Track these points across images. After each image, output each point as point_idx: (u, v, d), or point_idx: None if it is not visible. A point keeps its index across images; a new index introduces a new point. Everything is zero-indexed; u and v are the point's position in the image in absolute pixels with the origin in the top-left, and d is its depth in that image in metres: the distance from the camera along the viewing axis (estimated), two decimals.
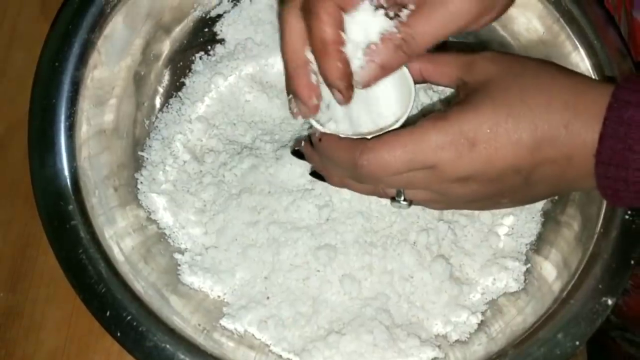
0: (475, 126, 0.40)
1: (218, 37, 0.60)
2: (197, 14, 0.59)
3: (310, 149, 0.48)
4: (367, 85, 0.43)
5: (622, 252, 0.48)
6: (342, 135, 0.45)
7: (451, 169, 0.41)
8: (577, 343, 0.46)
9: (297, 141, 0.53)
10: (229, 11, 0.60)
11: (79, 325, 0.55)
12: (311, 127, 0.46)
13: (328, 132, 0.45)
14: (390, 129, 0.44)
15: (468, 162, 0.40)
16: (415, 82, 0.45)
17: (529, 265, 0.54)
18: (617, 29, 0.53)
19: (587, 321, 0.46)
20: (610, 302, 0.46)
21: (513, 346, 0.47)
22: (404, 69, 0.45)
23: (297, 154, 0.51)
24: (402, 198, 0.45)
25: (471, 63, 0.44)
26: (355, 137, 0.44)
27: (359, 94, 0.44)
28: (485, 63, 0.43)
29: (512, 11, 0.56)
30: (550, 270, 0.52)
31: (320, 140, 0.45)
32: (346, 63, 0.42)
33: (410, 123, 0.43)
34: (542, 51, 0.56)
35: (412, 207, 0.53)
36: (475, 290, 0.54)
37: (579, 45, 0.53)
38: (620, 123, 0.38)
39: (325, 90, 0.44)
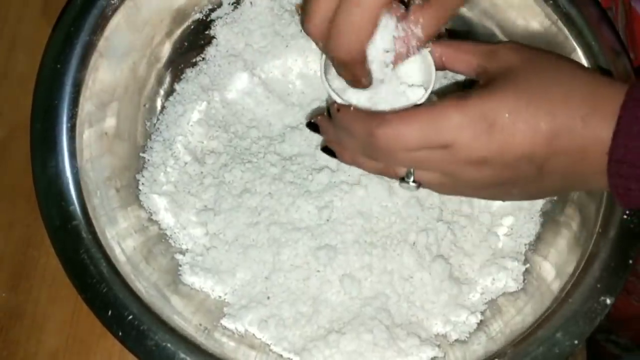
0: (495, 109, 0.40)
1: (219, 40, 0.60)
2: (197, 16, 0.59)
3: (326, 121, 0.48)
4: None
5: (621, 252, 0.48)
6: (360, 107, 0.45)
7: (467, 149, 0.41)
8: (576, 342, 0.46)
9: (313, 113, 0.53)
10: (229, 14, 0.60)
11: (80, 326, 0.55)
12: (330, 98, 0.46)
13: (347, 103, 0.45)
14: (409, 105, 0.45)
15: (485, 144, 0.40)
16: (436, 69, 0.46)
17: (528, 265, 0.54)
18: (612, 26, 0.54)
19: (585, 320, 0.46)
20: (608, 301, 0.47)
21: (512, 345, 0.47)
22: (427, 54, 0.46)
23: (312, 126, 0.50)
24: (412, 179, 0.45)
25: (493, 51, 0.44)
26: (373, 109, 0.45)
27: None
28: (507, 52, 0.44)
29: (510, 13, 0.57)
30: (549, 270, 0.52)
31: (338, 110, 0.45)
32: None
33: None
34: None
35: (412, 208, 0.54)
36: (475, 290, 0.54)
37: (577, 47, 0.54)
38: (635, 122, 0.38)
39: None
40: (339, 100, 0.46)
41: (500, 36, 0.58)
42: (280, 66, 0.60)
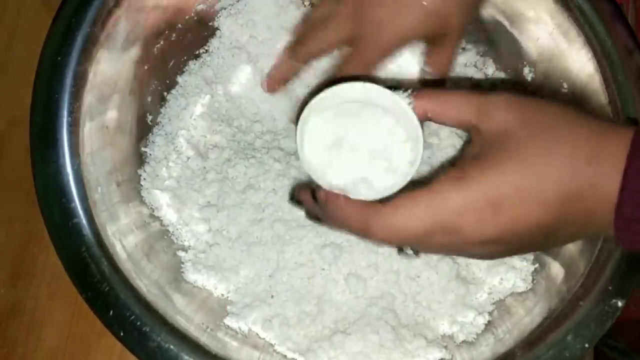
0: (499, 188, 0.38)
1: (222, 32, 0.59)
2: (201, 7, 0.58)
3: (312, 202, 0.44)
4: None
5: (633, 254, 0.47)
6: (350, 196, 0.42)
7: (473, 233, 0.38)
8: (587, 345, 0.46)
9: (297, 189, 0.49)
10: (233, 5, 0.59)
11: (80, 323, 0.55)
12: (314, 182, 0.43)
13: (334, 191, 0.42)
14: (402, 185, 0.42)
15: (492, 226, 0.38)
16: (420, 121, 0.43)
17: (536, 265, 0.53)
18: (627, 23, 0.53)
19: (596, 323, 0.46)
20: (620, 304, 0.46)
21: (521, 348, 0.47)
22: (410, 114, 0.42)
23: (296, 202, 0.47)
24: (411, 251, 0.43)
25: (485, 108, 0.41)
26: (365, 198, 0.42)
27: (363, 146, 0.43)
28: (500, 110, 0.40)
29: (522, 7, 0.56)
30: (558, 271, 0.51)
31: (326, 200, 0.42)
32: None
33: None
34: (552, 48, 0.55)
35: None
36: (482, 290, 0.53)
37: (588, 43, 0.53)
38: None
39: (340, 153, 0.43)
40: (322, 185, 0.42)
41: (510, 30, 0.57)
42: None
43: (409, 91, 0.43)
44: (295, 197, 0.47)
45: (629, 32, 0.52)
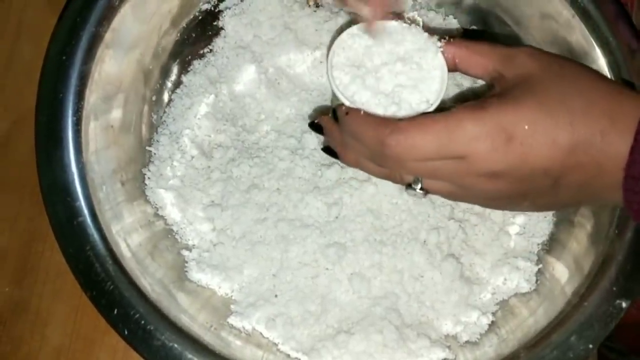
0: (514, 120, 0.39)
1: (227, 31, 0.59)
2: (205, 6, 0.58)
3: (331, 122, 0.46)
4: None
5: (637, 254, 0.47)
6: (370, 112, 0.43)
7: (483, 162, 0.40)
8: (591, 346, 0.45)
9: (317, 113, 0.51)
10: (238, 4, 0.59)
11: (84, 321, 0.55)
12: (338, 100, 0.45)
13: (356, 106, 0.44)
14: (421, 112, 0.43)
15: (502, 156, 0.39)
16: (448, 71, 0.45)
17: (540, 265, 0.53)
18: (630, 23, 0.52)
19: (600, 324, 0.46)
20: (624, 304, 0.46)
21: (525, 348, 0.47)
22: (438, 54, 0.45)
23: (315, 126, 0.49)
24: (419, 186, 0.44)
25: (510, 56, 0.42)
26: (384, 115, 0.43)
27: (389, 74, 0.44)
28: (525, 58, 0.42)
29: (527, 8, 0.56)
30: (562, 271, 0.51)
31: (347, 114, 0.44)
32: None
33: (441, 109, 0.42)
34: (557, 48, 0.55)
35: (423, 206, 0.53)
36: (486, 290, 0.53)
37: (594, 43, 0.53)
38: None
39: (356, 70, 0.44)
40: (346, 102, 0.44)
41: (516, 30, 0.57)
42: (289, 59, 0.59)
43: (440, 38, 0.45)
44: (315, 122, 0.49)
45: (632, 31, 0.52)
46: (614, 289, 0.46)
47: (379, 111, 0.44)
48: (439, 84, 0.45)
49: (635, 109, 0.38)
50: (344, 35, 0.46)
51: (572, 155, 0.39)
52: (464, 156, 0.40)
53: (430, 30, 0.47)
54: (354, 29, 0.47)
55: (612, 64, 0.52)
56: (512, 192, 0.41)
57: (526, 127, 0.39)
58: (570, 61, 0.43)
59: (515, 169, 0.39)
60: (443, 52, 0.45)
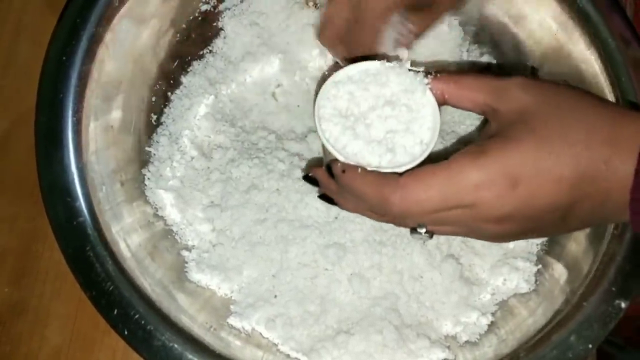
0: (517, 163, 0.38)
1: (227, 32, 0.59)
2: (205, 7, 0.58)
3: (327, 177, 0.45)
4: None
5: (636, 255, 0.47)
6: (368, 169, 0.42)
7: (490, 209, 0.39)
8: (590, 346, 0.46)
9: (310, 166, 0.50)
10: (237, 5, 0.59)
11: (84, 322, 0.55)
12: (331, 155, 0.43)
13: (352, 163, 0.42)
14: (419, 160, 0.42)
15: (509, 201, 0.38)
16: (438, 105, 0.44)
17: (540, 266, 0.53)
18: (624, 14, 0.52)
19: (600, 324, 0.46)
20: (623, 305, 0.46)
21: (524, 349, 0.47)
22: (427, 92, 0.43)
23: (310, 180, 0.48)
24: (424, 230, 0.43)
25: (501, 89, 0.41)
26: (383, 170, 0.42)
27: (379, 121, 0.43)
28: (517, 91, 0.41)
29: (525, 8, 0.56)
30: (561, 272, 0.51)
31: (343, 171, 0.42)
32: None
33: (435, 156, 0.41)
34: (556, 49, 0.55)
35: None
36: (486, 291, 0.53)
37: (586, 35, 0.53)
38: None
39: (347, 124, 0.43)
40: (339, 157, 0.42)
41: (514, 30, 0.57)
42: (289, 59, 0.59)
43: (426, 73, 0.44)
44: (310, 175, 0.48)
45: (625, 22, 0.52)
46: (613, 289, 0.46)
47: (374, 160, 0.42)
48: (431, 122, 0.43)
49: (636, 131, 0.38)
50: (327, 85, 0.45)
51: (578, 188, 0.38)
52: (470, 205, 0.39)
53: (415, 64, 0.46)
54: (335, 76, 0.45)
55: (611, 65, 0.52)
56: (521, 230, 0.41)
57: (530, 168, 0.38)
58: (564, 88, 0.42)
59: (523, 211, 0.39)
60: (431, 89, 0.43)
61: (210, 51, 0.59)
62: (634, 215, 0.38)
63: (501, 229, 0.40)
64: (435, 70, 0.44)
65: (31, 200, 0.57)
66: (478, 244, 0.54)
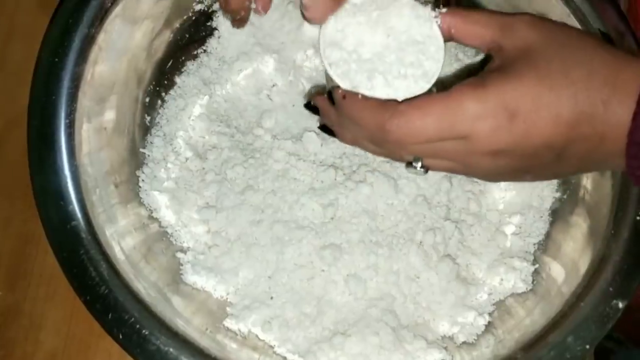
0: (517, 97, 0.38)
1: (221, 31, 0.59)
2: (199, 7, 0.58)
3: (327, 104, 0.44)
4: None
5: (634, 254, 0.47)
6: (368, 95, 0.42)
7: (486, 141, 0.39)
8: (587, 346, 0.45)
9: (312, 93, 0.50)
10: None
11: (79, 325, 0.55)
12: (333, 82, 0.43)
13: (353, 89, 0.42)
14: (421, 92, 0.42)
15: (505, 134, 0.38)
16: (444, 41, 0.43)
17: (537, 265, 0.53)
18: (617, 6, 0.52)
19: (597, 324, 0.46)
20: (621, 305, 0.46)
21: (522, 349, 0.47)
22: (433, 25, 0.43)
23: (311, 107, 0.47)
24: (420, 164, 0.42)
25: (508, 25, 0.41)
26: (382, 98, 0.42)
27: (384, 49, 0.43)
28: (524, 27, 0.41)
29: (522, 3, 0.55)
30: (559, 271, 0.51)
31: (344, 97, 0.42)
32: None
33: (440, 84, 0.41)
34: None
35: (418, 206, 0.53)
36: (482, 291, 0.53)
37: (579, 26, 0.52)
38: None
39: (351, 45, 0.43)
40: (342, 85, 0.43)
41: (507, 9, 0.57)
42: (283, 59, 0.59)
43: (434, 6, 0.43)
44: (311, 103, 0.47)
45: (619, 15, 0.52)
46: (611, 289, 0.46)
47: (376, 92, 0.42)
48: (435, 55, 0.43)
49: (635, 75, 0.38)
50: (333, 16, 0.44)
51: (575, 128, 0.38)
52: (466, 136, 0.39)
53: None
54: (343, 6, 0.44)
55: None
56: (515, 167, 0.41)
57: (529, 103, 0.38)
58: (570, 28, 0.42)
59: (519, 146, 0.39)
60: (438, 23, 0.43)
61: (205, 51, 0.59)
62: (630, 160, 0.38)
63: (495, 164, 0.40)
64: (443, 4, 0.44)
65: (25, 202, 0.56)
66: (475, 243, 0.54)
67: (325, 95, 0.45)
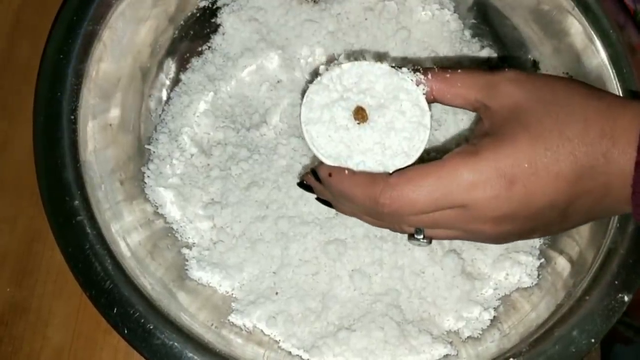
0: (512, 162, 0.37)
1: (225, 28, 0.59)
2: (203, 3, 0.58)
3: (318, 183, 0.43)
4: None
5: (639, 248, 0.47)
6: (355, 170, 0.41)
7: (485, 209, 0.38)
8: (593, 340, 0.45)
9: (304, 173, 0.48)
10: (236, 1, 0.59)
11: (85, 321, 0.55)
12: (318, 159, 0.42)
13: (337, 165, 0.41)
14: (411, 162, 0.41)
15: (505, 201, 0.37)
16: (427, 103, 0.42)
17: (542, 260, 0.53)
18: (620, 1, 0.52)
19: (602, 318, 0.45)
20: (626, 298, 0.46)
21: (527, 343, 0.46)
22: (417, 92, 0.41)
23: (305, 186, 0.46)
24: (422, 236, 0.41)
25: (492, 84, 0.40)
26: (372, 171, 0.40)
27: (370, 121, 0.41)
28: (509, 86, 0.39)
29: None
30: (564, 266, 0.51)
31: (330, 175, 0.41)
32: None
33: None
34: (555, 43, 0.55)
35: None
36: (488, 286, 0.53)
37: (594, 36, 0.52)
38: None
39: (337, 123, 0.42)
40: (325, 161, 0.41)
41: (514, 23, 0.57)
42: (288, 55, 0.59)
43: (414, 71, 0.42)
44: (304, 182, 0.46)
45: (619, 6, 0.51)
46: (616, 282, 0.46)
47: (364, 166, 0.41)
48: (421, 121, 0.41)
49: (634, 121, 0.37)
50: (313, 86, 0.42)
51: (578, 183, 0.37)
52: (464, 205, 0.38)
53: (409, 61, 0.44)
54: (321, 78, 0.43)
55: (612, 58, 0.51)
56: (520, 230, 0.40)
57: (526, 166, 0.37)
58: (559, 81, 0.40)
59: (522, 211, 0.38)
60: (419, 87, 0.41)
61: (209, 48, 0.59)
62: (636, 208, 0.37)
63: (500, 230, 0.39)
64: (424, 67, 0.42)
65: (31, 200, 0.56)
66: None
67: (310, 172, 0.43)
